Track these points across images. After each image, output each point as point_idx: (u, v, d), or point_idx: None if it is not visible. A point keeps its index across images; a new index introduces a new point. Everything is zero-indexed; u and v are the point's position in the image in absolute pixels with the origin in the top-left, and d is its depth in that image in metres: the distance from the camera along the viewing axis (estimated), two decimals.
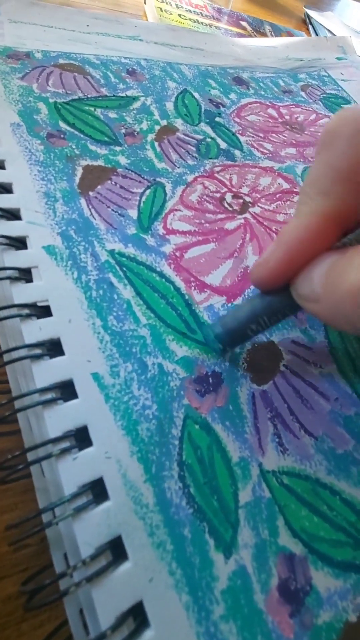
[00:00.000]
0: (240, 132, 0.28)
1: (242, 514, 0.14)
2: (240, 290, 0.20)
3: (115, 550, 0.12)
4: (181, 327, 0.17)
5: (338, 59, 0.40)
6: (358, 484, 0.16)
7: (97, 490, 0.12)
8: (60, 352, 0.15)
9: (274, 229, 0.23)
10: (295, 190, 0.26)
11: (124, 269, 0.18)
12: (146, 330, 0.17)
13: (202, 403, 0.16)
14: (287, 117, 0.32)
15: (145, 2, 0.44)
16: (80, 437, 0.13)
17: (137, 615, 0.11)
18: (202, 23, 0.42)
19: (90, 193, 0.20)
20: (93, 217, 0.19)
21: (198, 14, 0.44)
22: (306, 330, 0.19)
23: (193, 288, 0.19)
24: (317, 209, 0.14)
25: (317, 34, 0.52)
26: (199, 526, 0.13)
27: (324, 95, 0.35)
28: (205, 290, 0.19)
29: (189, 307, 0.18)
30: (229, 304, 0.19)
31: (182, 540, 0.12)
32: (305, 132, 0.31)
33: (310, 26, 0.55)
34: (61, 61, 0.27)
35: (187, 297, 0.18)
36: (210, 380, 0.16)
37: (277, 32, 0.48)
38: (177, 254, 0.20)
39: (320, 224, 0.14)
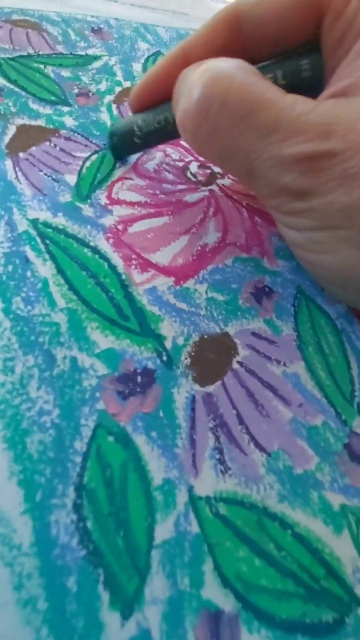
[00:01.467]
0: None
1: (155, 557, 0.10)
2: (194, 270, 0.16)
3: None
4: (110, 313, 0.14)
5: None
6: (317, 514, 0.12)
7: None
8: None
9: (244, 204, 0.19)
10: None
11: (47, 241, 0.15)
12: (63, 315, 0.13)
13: (122, 408, 0.12)
14: None
15: None
16: None
17: None
18: None
19: (21, 154, 0.17)
20: (18, 180, 0.16)
21: None
22: (271, 321, 0.16)
23: (133, 267, 0.15)
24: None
25: None
26: (91, 574, 0.10)
27: None
28: (149, 269, 0.16)
29: (124, 289, 0.15)
30: (178, 287, 0.16)
31: (62, 594, 0.09)
32: None
33: None
34: (14, 17, 0.24)
35: (123, 277, 0.15)
36: (139, 379, 0.13)
37: None
38: (120, 227, 0.16)
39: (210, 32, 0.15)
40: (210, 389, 0.13)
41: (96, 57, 0.24)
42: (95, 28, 0.26)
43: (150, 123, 0.16)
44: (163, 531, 0.11)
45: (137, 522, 0.11)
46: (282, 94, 0.12)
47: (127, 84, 0.23)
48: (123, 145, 0.18)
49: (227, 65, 0.12)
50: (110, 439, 0.12)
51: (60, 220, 0.16)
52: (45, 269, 0.14)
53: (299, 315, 0.16)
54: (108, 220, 0.16)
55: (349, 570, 0.12)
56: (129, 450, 0.12)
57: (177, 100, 0.14)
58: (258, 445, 0.13)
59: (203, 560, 0.11)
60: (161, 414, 0.13)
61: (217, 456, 0.12)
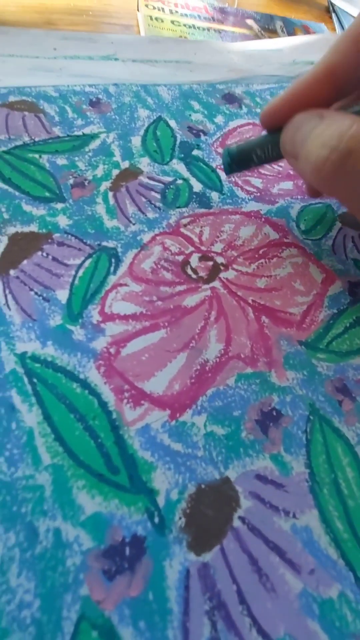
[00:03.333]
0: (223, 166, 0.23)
1: None
2: (191, 398, 0.15)
3: None
4: (98, 466, 0.13)
5: None
6: None
7: None
8: None
9: (250, 301, 0.18)
10: (286, 240, 0.21)
11: (35, 380, 0.14)
12: (47, 475, 0.13)
13: (108, 592, 0.11)
14: None
15: (138, 9, 0.39)
16: None
17: None
18: (198, 28, 0.37)
19: (12, 272, 0.17)
20: (8, 306, 0.16)
21: (195, 18, 0.39)
22: (279, 456, 0.14)
23: (125, 401, 0.14)
24: (323, 60, 0.17)
25: (341, 25, 0.45)
26: None
27: None
28: (143, 402, 0.15)
29: (114, 432, 0.14)
30: (172, 422, 0.14)
31: None
32: None
33: (333, 15, 0.47)
34: (11, 99, 0.23)
35: (114, 415, 0.14)
36: (127, 551, 0.12)
37: (290, 27, 0.41)
38: (112, 350, 0.15)
39: (320, 73, 0.17)
40: (207, 557, 0.12)
41: (93, 137, 0.23)
42: (94, 100, 0.25)
43: (269, 153, 0.18)
44: None
45: None
46: None
47: (124, 164, 0.22)
48: (237, 167, 0.19)
49: None
50: (94, 634, 0.11)
51: (49, 351, 0.15)
52: (31, 416, 0.13)
53: (311, 444, 0.15)
54: (100, 343, 0.16)
55: None
56: None
57: (300, 143, 0.15)
58: (261, 630, 0.11)
59: None
60: (150, 596, 0.11)
61: None
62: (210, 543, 0.12)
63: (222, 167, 0.20)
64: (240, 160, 0.19)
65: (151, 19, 0.36)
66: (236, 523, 0.13)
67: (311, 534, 0.13)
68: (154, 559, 0.12)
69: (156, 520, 0.12)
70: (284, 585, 0.12)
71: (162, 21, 0.36)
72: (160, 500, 0.13)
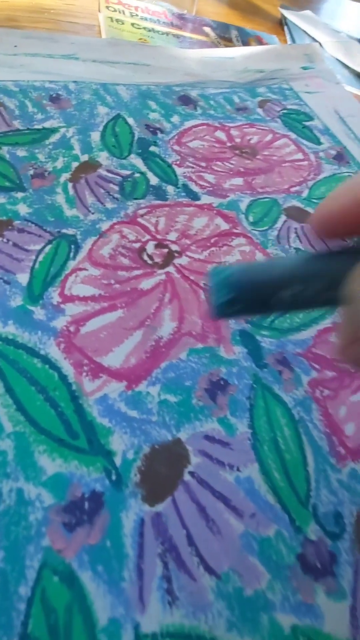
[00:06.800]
0: (178, 162, 0.25)
1: None
2: (146, 371, 0.16)
3: None
4: (59, 432, 0.14)
5: (303, 68, 0.36)
6: (267, 639, 0.12)
7: None
8: None
9: (201, 284, 0.19)
10: (236, 230, 0.22)
11: None
12: (10, 442, 0.13)
13: (69, 542, 0.12)
14: (238, 140, 0.28)
15: (99, 10, 0.40)
16: None
17: None
18: (158, 32, 0.39)
19: None
20: None
21: (155, 22, 0.40)
22: (225, 419, 0.16)
23: (85, 374, 0.16)
24: None
25: (292, 37, 0.48)
26: None
27: (284, 111, 0.32)
28: (101, 375, 0.16)
29: (74, 402, 0.15)
30: (129, 392, 0.16)
31: None
32: (258, 157, 0.28)
33: (285, 28, 0.51)
34: None
35: (74, 387, 0.15)
36: (86, 506, 0.13)
37: (245, 37, 0.44)
38: (72, 328, 0.17)
39: None
40: (159, 507, 0.13)
41: (53, 130, 0.24)
42: (54, 95, 0.26)
43: (311, 293, 0.10)
44: None
45: None
46: None
47: (84, 158, 0.23)
48: (241, 310, 0.11)
49: None
50: (55, 579, 0.12)
51: (10, 329, 0.16)
52: None
53: (254, 408, 0.16)
54: (60, 322, 0.17)
55: None
56: (74, 589, 0.12)
57: None
58: (208, 567, 0.13)
59: None
60: (108, 543, 0.13)
61: (165, 586, 0.12)
62: (163, 495, 0.14)
63: (211, 304, 0.11)
64: (254, 298, 0.10)
65: (112, 20, 0.37)
66: (186, 477, 0.14)
67: (252, 484, 0.15)
68: (112, 511, 0.13)
69: (113, 477, 0.14)
70: (228, 527, 0.14)
71: (123, 23, 0.38)
72: (117, 460, 0.14)
